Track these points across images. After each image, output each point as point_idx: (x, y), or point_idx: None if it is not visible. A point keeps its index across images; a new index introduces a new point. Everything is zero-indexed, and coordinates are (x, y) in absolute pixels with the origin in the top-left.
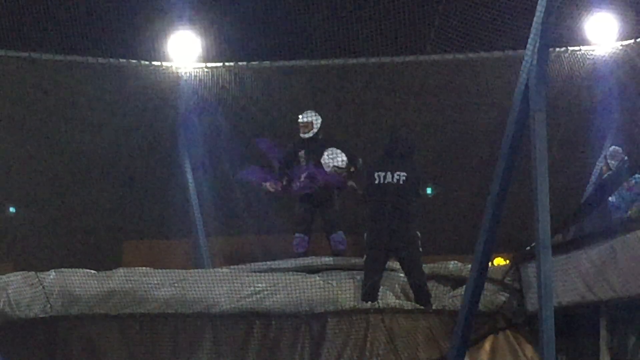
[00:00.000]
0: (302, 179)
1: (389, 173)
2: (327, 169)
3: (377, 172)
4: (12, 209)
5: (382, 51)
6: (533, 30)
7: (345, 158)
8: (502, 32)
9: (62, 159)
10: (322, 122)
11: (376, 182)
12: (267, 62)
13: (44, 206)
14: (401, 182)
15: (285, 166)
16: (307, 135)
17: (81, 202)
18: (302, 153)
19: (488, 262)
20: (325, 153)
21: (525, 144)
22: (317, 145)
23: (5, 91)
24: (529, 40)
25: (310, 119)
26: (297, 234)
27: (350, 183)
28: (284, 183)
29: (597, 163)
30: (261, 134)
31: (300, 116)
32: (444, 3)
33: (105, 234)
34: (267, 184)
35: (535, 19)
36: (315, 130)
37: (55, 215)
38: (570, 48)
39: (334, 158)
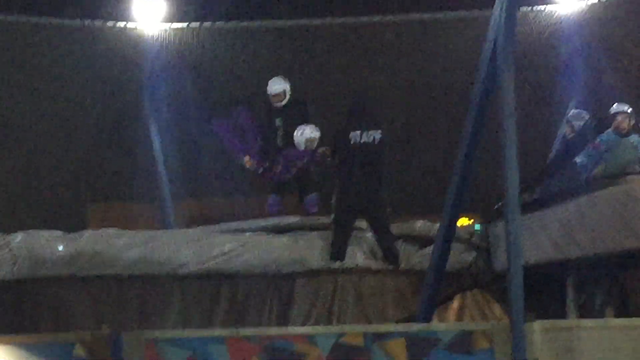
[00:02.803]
0: (280, 166)
1: (365, 133)
2: (301, 147)
3: (353, 131)
4: None
5: (348, 11)
6: None
7: (313, 128)
8: None
9: (27, 120)
10: (290, 86)
11: (352, 142)
12: (233, 22)
13: (7, 168)
14: (376, 141)
15: (265, 141)
16: (280, 104)
17: (47, 164)
18: (278, 121)
19: (456, 222)
20: (295, 133)
21: (492, 103)
22: (291, 111)
23: None
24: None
25: (281, 88)
26: (272, 195)
27: (322, 149)
28: (266, 164)
29: (563, 123)
30: (227, 100)
31: (269, 87)
32: None
33: (70, 197)
34: (246, 158)
35: None
36: (287, 97)
37: (20, 178)
38: (536, 7)
39: (303, 132)
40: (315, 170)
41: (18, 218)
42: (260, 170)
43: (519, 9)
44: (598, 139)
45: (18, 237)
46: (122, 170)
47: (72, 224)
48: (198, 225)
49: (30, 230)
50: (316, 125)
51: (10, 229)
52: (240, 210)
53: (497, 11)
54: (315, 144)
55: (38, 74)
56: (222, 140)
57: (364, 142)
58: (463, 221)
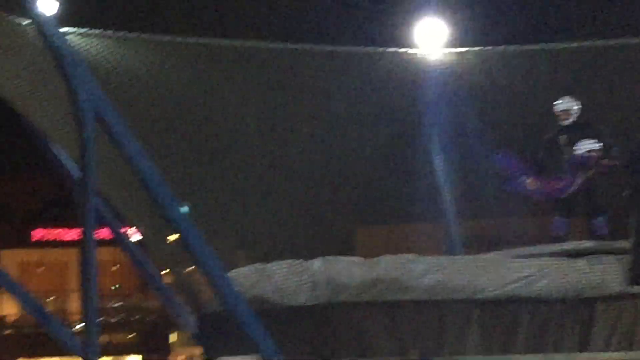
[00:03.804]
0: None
1: None
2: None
3: None
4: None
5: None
6: None
7: (594, 141)
8: None
9: (305, 146)
10: (579, 107)
11: None
12: (514, 46)
13: (279, 195)
14: None
15: (545, 157)
16: (565, 123)
17: (318, 190)
18: (563, 137)
19: None
20: (575, 148)
21: None
22: (577, 131)
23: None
24: None
25: (567, 106)
26: (556, 217)
27: (605, 161)
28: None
29: None
30: (512, 125)
31: (555, 104)
32: None
33: (339, 221)
34: (529, 180)
35: None
36: (574, 116)
37: (294, 203)
38: None
39: (582, 146)
40: (603, 192)
41: (283, 245)
42: (542, 184)
43: None
44: None
45: (316, 263)
46: (394, 193)
47: (340, 248)
48: (484, 247)
49: (329, 257)
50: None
51: (275, 257)
52: (517, 232)
53: None
54: (597, 155)
55: (318, 102)
56: (505, 170)
57: None
58: None
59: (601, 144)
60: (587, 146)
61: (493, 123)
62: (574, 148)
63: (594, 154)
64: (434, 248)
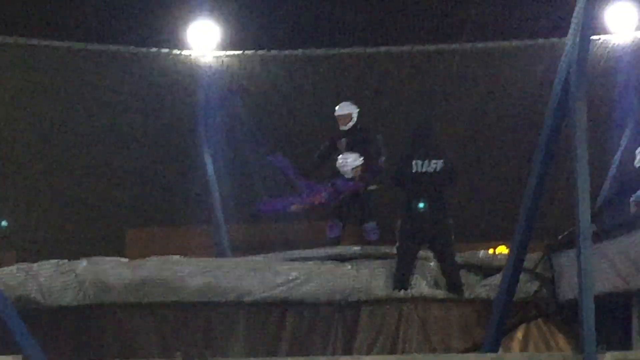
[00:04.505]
0: (325, 193)
1: (426, 161)
2: (349, 175)
3: (415, 160)
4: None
5: (412, 40)
6: (574, 20)
7: (356, 156)
8: (534, 21)
9: (79, 146)
10: (358, 112)
11: (414, 170)
12: (288, 50)
13: (51, 194)
14: (438, 170)
15: (323, 160)
16: (345, 128)
17: (87, 191)
18: (342, 141)
19: (525, 252)
20: (339, 161)
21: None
22: (357, 136)
23: (20, 78)
24: (570, 30)
25: (347, 111)
26: (330, 221)
27: (372, 187)
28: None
29: (617, 154)
30: (284, 126)
31: (336, 108)
32: None
33: (109, 223)
34: (294, 206)
35: (576, 9)
36: (353, 121)
37: (65, 202)
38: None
39: (346, 160)
40: (374, 198)
41: (54, 244)
42: (305, 200)
43: None
44: None
45: (83, 263)
46: (166, 194)
47: (110, 249)
48: (255, 251)
49: (95, 257)
50: (382, 153)
51: (45, 257)
52: (296, 235)
53: (570, 42)
54: (359, 172)
55: (94, 100)
56: (280, 170)
57: (426, 171)
58: (501, 249)
59: (362, 160)
60: (349, 162)
61: (267, 126)
62: (339, 161)
63: (357, 170)
64: (204, 251)
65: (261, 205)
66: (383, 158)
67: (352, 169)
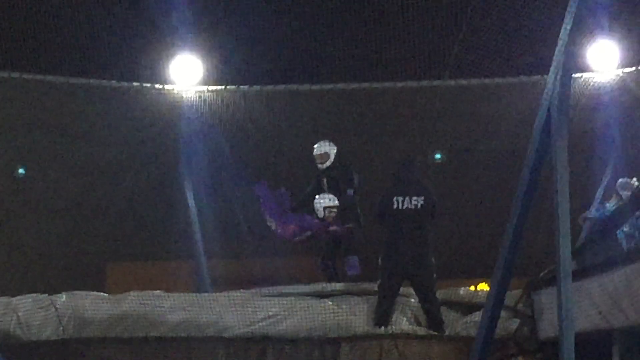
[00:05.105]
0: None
1: (407, 198)
2: (321, 214)
3: (396, 196)
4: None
5: (394, 76)
6: (555, 58)
7: (332, 197)
8: (516, 59)
9: (60, 179)
10: (336, 150)
11: (395, 206)
12: (270, 86)
13: (31, 229)
14: (419, 206)
15: (309, 197)
16: (323, 166)
17: (67, 225)
18: (323, 180)
19: (505, 290)
20: (316, 200)
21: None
22: (336, 174)
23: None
24: (551, 68)
25: (324, 150)
26: (322, 260)
27: (333, 228)
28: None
29: (598, 190)
30: (265, 162)
31: (315, 147)
32: (464, 31)
33: (88, 256)
34: (274, 224)
35: (557, 47)
36: (331, 159)
37: (46, 237)
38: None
39: (319, 200)
40: (356, 233)
41: (38, 278)
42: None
43: None
44: None
45: (63, 297)
46: (147, 229)
47: (90, 284)
48: (236, 286)
49: (75, 291)
50: (360, 189)
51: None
52: (277, 271)
53: (552, 80)
54: (334, 213)
55: (77, 134)
56: (261, 201)
57: (407, 208)
58: (482, 286)
59: (336, 202)
60: (323, 202)
61: (249, 162)
62: (315, 202)
63: (330, 210)
64: (184, 286)
65: (260, 189)
66: (352, 190)
67: (324, 208)
